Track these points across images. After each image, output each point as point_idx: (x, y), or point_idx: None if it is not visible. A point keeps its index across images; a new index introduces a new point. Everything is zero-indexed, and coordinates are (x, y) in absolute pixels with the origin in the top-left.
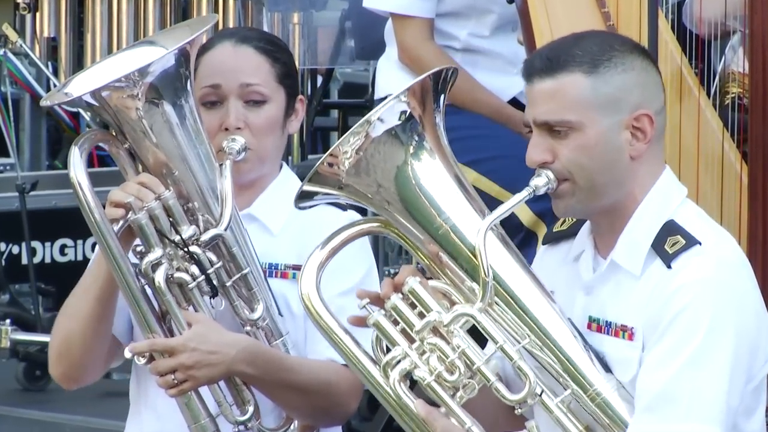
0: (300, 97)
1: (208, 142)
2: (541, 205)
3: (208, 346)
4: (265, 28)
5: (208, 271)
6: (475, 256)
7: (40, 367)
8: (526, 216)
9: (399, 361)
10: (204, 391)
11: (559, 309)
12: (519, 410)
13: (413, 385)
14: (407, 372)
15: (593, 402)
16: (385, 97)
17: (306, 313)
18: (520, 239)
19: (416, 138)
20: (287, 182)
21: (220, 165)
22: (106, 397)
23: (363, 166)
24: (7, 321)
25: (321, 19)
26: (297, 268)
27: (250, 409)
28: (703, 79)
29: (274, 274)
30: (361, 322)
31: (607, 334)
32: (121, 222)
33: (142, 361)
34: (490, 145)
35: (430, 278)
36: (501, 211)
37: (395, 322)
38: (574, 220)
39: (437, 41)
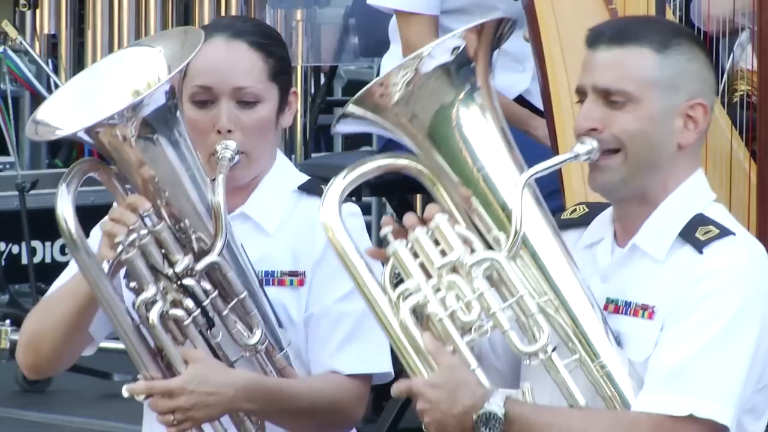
0: (293, 89)
1: (198, 159)
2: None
3: (206, 387)
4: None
5: (204, 303)
6: (506, 208)
7: None
8: None
9: (411, 294)
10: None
11: (582, 278)
12: (529, 362)
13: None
14: (418, 305)
15: (598, 372)
16: None
17: (327, 241)
18: None
19: (467, 79)
20: (280, 173)
21: (212, 180)
22: (107, 399)
23: (406, 96)
24: (7, 322)
25: (324, 16)
26: (293, 274)
27: None
28: None
29: (270, 282)
30: (379, 255)
31: (625, 314)
32: (113, 258)
33: (142, 397)
34: None
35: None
36: (542, 167)
37: (415, 256)
38: (585, 210)
39: None
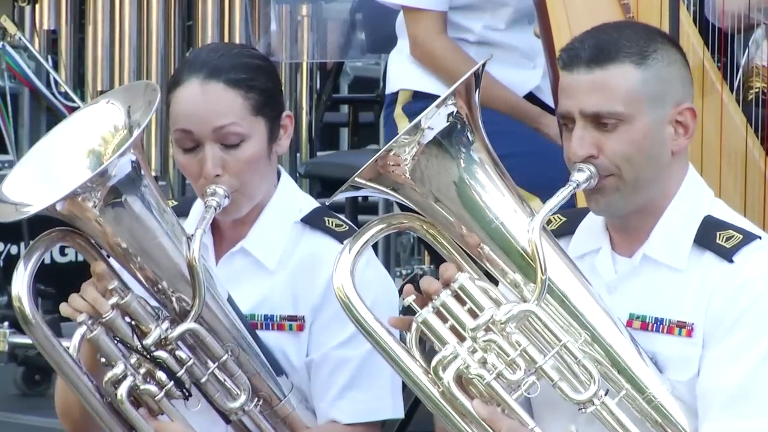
0: (286, 113)
1: (172, 215)
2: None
3: None
4: (273, 21)
5: (178, 374)
6: (525, 254)
7: (39, 371)
8: None
9: (451, 361)
10: None
11: (607, 307)
12: (583, 410)
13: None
14: (460, 371)
15: (649, 405)
16: (397, 92)
17: (341, 307)
18: None
19: (465, 139)
20: (283, 203)
21: (188, 238)
22: None
23: (418, 172)
24: (5, 323)
25: (331, 11)
26: (293, 318)
27: None
28: (725, 73)
29: (270, 327)
30: (401, 324)
31: (656, 331)
32: (78, 337)
33: None
34: (505, 142)
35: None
36: (549, 208)
37: (443, 320)
38: (562, 220)
39: (450, 34)
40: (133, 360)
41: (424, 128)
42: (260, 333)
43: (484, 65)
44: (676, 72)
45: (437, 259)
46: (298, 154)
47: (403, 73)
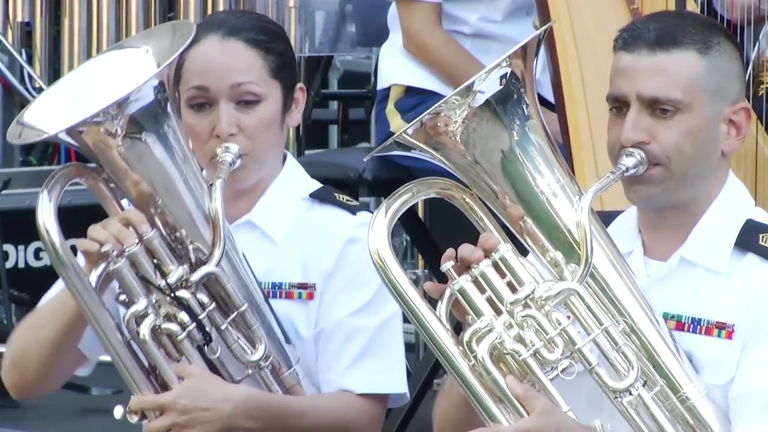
0: (300, 85)
1: (195, 162)
2: None
3: (202, 403)
4: (259, 12)
5: (200, 317)
6: (569, 233)
7: None
8: None
9: (486, 333)
10: None
11: (648, 301)
12: (620, 399)
13: None
14: (494, 345)
15: (682, 405)
16: (389, 88)
17: (376, 270)
18: None
19: (518, 107)
20: (290, 179)
21: (210, 185)
22: (85, 414)
23: (465, 135)
24: None
25: (319, 3)
26: (303, 287)
27: None
28: None
29: (278, 295)
30: (436, 290)
31: (693, 332)
32: (100, 269)
33: (135, 418)
34: None
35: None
36: (599, 187)
37: (481, 291)
38: None
39: (445, 26)
40: (153, 299)
41: (476, 90)
42: None
43: (546, 31)
44: (736, 68)
45: (431, 263)
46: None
47: (395, 67)
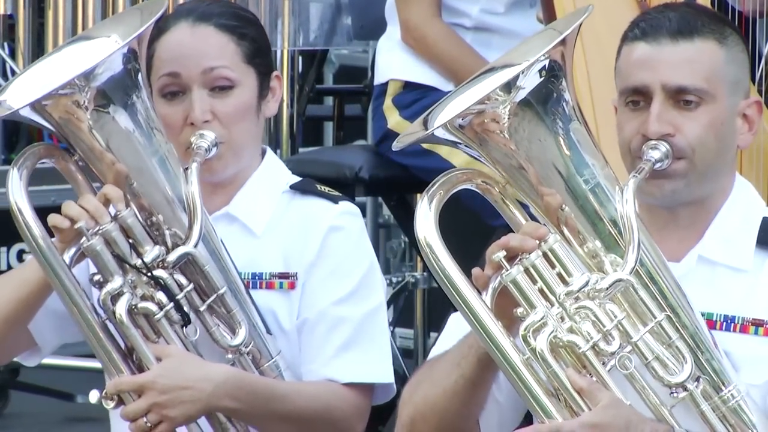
0: (275, 73)
1: (168, 146)
2: None
3: (181, 382)
4: (251, 3)
5: (177, 297)
6: (611, 223)
7: None
8: None
9: (542, 325)
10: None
11: (689, 298)
12: (676, 394)
13: None
14: (553, 338)
15: (725, 404)
16: (387, 83)
17: (426, 258)
18: None
19: (560, 101)
20: (270, 172)
21: (185, 169)
22: (69, 422)
23: (504, 138)
24: None
25: None
26: (284, 276)
27: None
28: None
29: (258, 285)
30: (483, 279)
31: (728, 330)
32: (72, 250)
33: (111, 404)
34: None
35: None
36: (638, 178)
37: (533, 282)
38: None
39: (445, 18)
40: (129, 279)
41: (519, 86)
42: None
43: (586, 16)
44: (746, 61)
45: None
46: (278, 151)
47: (393, 61)
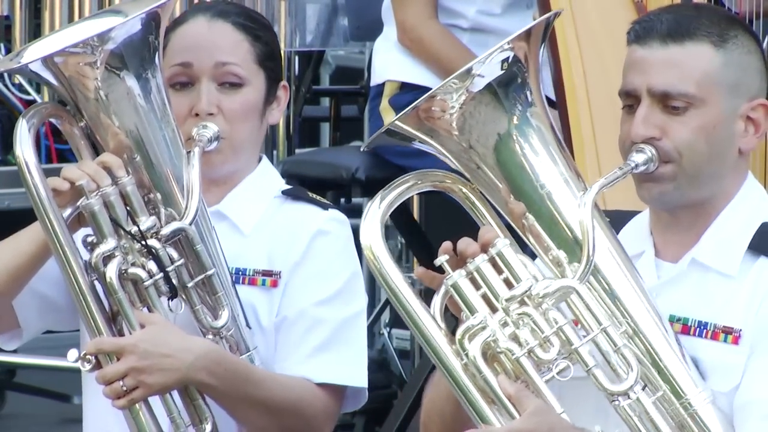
0: (283, 83)
1: (176, 126)
2: None
3: (162, 349)
4: (247, 4)
5: (168, 269)
6: (572, 229)
7: None
8: None
9: (479, 331)
10: (156, 405)
11: (654, 304)
12: (618, 402)
13: None
14: (487, 344)
15: (685, 411)
16: (383, 84)
17: (368, 264)
18: None
19: (521, 93)
20: (264, 177)
21: (188, 152)
22: (66, 423)
23: (462, 120)
24: None
25: None
26: (267, 273)
27: (208, 428)
28: None
29: (241, 281)
30: (429, 278)
31: (699, 336)
32: (69, 210)
33: (88, 366)
34: None
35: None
36: (605, 183)
37: (476, 287)
38: (607, 220)
39: (442, 20)
40: (122, 244)
41: (475, 74)
42: None
43: (557, 15)
44: (755, 63)
45: (426, 265)
46: (274, 152)
47: (389, 62)
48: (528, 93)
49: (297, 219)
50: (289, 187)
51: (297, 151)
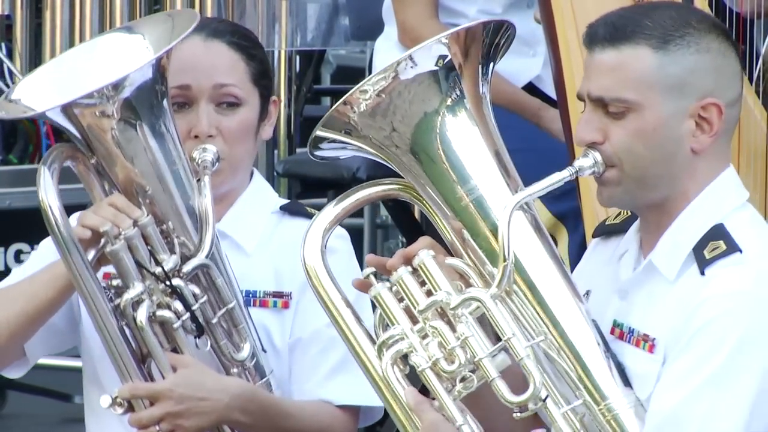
0: (274, 98)
1: (186, 158)
2: (562, 205)
3: (198, 392)
4: (248, 5)
5: (193, 308)
6: (497, 237)
7: None
8: (544, 218)
9: (396, 342)
10: None
11: (586, 310)
12: (518, 414)
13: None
14: (403, 355)
15: (604, 417)
16: None
17: (307, 282)
18: None
19: (455, 92)
20: (259, 192)
21: (198, 181)
22: (67, 423)
23: (381, 108)
24: None
25: None
26: (278, 295)
27: None
28: (744, 62)
29: (252, 303)
30: (364, 288)
31: (628, 342)
32: (93, 252)
33: (120, 411)
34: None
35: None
36: (533, 189)
37: (401, 299)
38: (629, 213)
39: (443, 19)
40: (147, 285)
41: (406, 67)
42: None
43: (507, 30)
44: (708, 62)
45: None
46: (275, 151)
47: (390, 62)
48: (461, 88)
49: (299, 236)
50: (286, 201)
51: (298, 150)
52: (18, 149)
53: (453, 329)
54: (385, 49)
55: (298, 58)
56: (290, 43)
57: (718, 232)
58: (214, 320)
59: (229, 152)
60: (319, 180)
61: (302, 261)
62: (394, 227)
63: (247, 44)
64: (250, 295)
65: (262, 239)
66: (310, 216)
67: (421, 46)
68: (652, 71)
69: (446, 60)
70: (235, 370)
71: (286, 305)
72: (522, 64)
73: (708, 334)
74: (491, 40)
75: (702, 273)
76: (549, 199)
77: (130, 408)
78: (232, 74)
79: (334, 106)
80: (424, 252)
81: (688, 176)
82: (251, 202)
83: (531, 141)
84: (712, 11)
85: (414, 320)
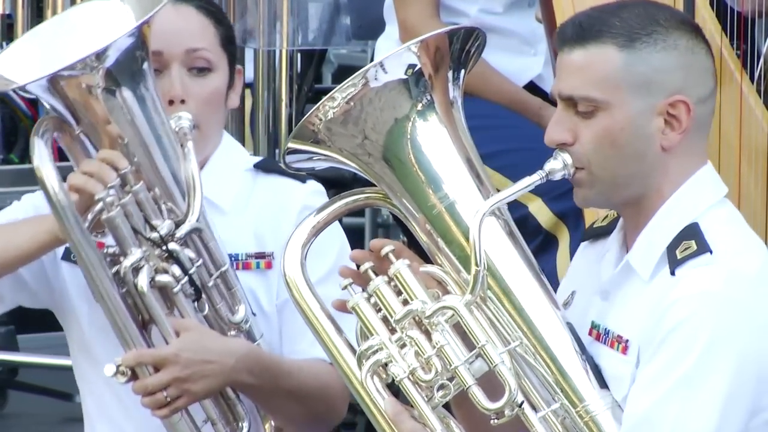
0: (239, 67)
1: (168, 124)
2: (563, 204)
3: (204, 356)
4: (250, 3)
5: (190, 271)
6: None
7: None
8: (545, 217)
9: (375, 352)
10: (192, 407)
11: (563, 315)
12: (495, 421)
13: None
14: (382, 365)
15: (582, 419)
16: None
17: (289, 296)
18: (539, 243)
19: (425, 98)
20: (230, 151)
21: (181, 146)
22: (67, 422)
23: (353, 116)
24: None
25: None
26: (260, 256)
27: (245, 426)
28: (745, 62)
29: (235, 266)
30: (344, 306)
31: (604, 343)
32: (89, 217)
33: (123, 379)
34: (503, 137)
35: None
36: (505, 195)
37: (379, 309)
38: (615, 215)
39: (444, 18)
40: (144, 251)
41: (377, 70)
42: None
43: (477, 38)
44: (675, 59)
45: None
46: (276, 150)
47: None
48: (431, 95)
49: (277, 194)
50: (259, 159)
51: None
52: (19, 148)
53: (430, 338)
54: (387, 49)
55: (299, 57)
56: (291, 42)
57: (691, 232)
58: (210, 283)
59: (201, 119)
60: (320, 179)
61: (282, 272)
62: (396, 226)
63: (214, 9)
64: (232, 258)
65: (238, 199)
66: (284, 173)
67: (389, 54)
68: (618, 70)
69: (416, 68)
70: (233, 332)
71: (269, 265)
72: (523, 63)
73: (678, 336)
74: (461, 46)
75: (672, 273)
76: (550, 198)
77: (134, 376)
78: (203, 38)
79: (304, 117)
80: (399, 261)
81: (661, 174)
82: (224, 161)
83: (532, 140)
84: (713, 10)
85: (393, 330)
